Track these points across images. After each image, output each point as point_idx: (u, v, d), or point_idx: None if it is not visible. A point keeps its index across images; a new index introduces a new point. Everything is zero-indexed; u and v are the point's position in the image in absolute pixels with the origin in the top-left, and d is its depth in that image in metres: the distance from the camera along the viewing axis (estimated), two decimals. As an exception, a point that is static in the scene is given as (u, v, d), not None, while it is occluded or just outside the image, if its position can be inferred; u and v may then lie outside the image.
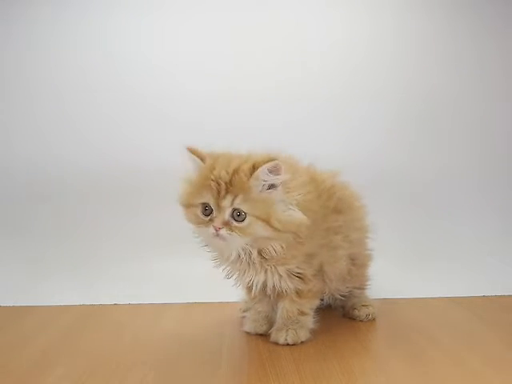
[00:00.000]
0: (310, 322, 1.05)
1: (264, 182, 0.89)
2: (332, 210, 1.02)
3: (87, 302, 1.32)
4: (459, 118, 1.86)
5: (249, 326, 1.09)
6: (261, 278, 0.98)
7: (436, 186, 1.85)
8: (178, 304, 1.31)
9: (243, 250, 0.94)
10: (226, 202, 0.89)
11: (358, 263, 1.14)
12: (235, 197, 0.89)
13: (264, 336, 1.06)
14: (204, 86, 1.77)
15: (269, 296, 1.05)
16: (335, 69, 1.82)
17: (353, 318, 1.18)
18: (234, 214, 0.90)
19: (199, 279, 1.41)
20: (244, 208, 0.89)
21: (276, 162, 0.88)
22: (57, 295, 1.37)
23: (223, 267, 1.02)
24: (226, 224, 0.90)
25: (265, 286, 1.00)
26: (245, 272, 0.98)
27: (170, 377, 0.88)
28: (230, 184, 0.89)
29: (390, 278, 1.48)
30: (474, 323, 1.15)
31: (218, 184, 0.89)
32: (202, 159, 0.94)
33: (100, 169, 1.78)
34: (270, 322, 1.07)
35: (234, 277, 1.03)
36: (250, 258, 0.95)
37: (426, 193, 1.84)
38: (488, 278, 1.50)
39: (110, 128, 1.79)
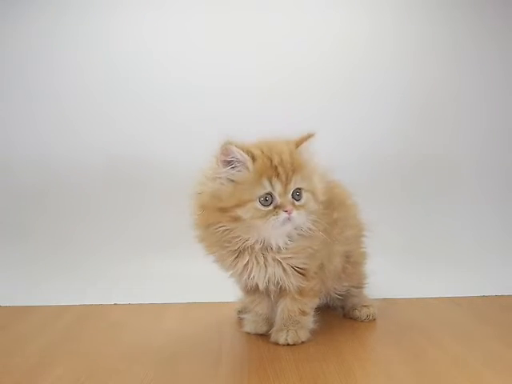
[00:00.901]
0: (310, 322, 1.05)
1: (310, 159, 0.96)
2: (327, 206, 1.02)
3: (87, 302, 1.32)
4: (459, 117, 1.86)
5: (249, 327, 1.09)
6: (267, 271, 0.97)
7: (436, 186, 1.85)
8: (177, 304, 1.31)
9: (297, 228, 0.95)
10: (292, 184, 0.92)
11: (352, 261, 1.15)
12: (298, 177, 0.92)
13: (264, 336, 1.06)
14: (205, 85, 1.77)
15: (269, 296, 1.05)
16: (335, 69, 1.82)
17: (353, 319, 1.18)
18: (294, 195, 0.92)
19: (199, 279, 1.41)
20: (303, 185, 0.93)
21: (313, 137, 0.95)
22: (57, 295, 1.37)
23: (224, 260, 1.00)
24: (293, 204, 0.92)
25: (268, 281, 0.99)
26: (252, 265, 0.97)
27: (169, 377, 0.88)
28: (292, 165, 0.92)
29: (389, 277, 1.49)
30: (474, 323, 1.15)
31: (285, 168, 0.91)
32: (251, 155, 0.91)
33: (100, 169, 1.78)
34: (270, 323, 1.07)
35: (238, 272, 1.00)
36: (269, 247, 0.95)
37: (426, 192, 1.84)
38: (488, 278, 1.50)
39: (109, 128, 1.79)
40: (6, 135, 1.80)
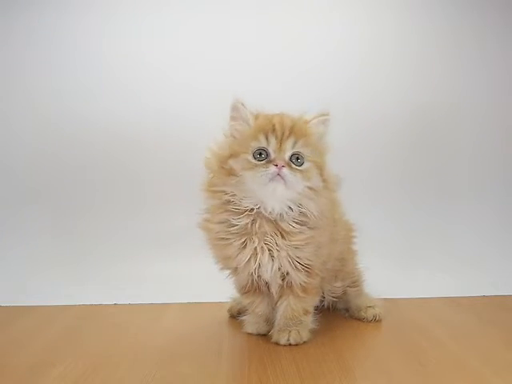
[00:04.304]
0: (311, 321, 1.04)
1: (320, 135, 0.95)
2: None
3: (87, 302, 1.32)
4: (459, 117, 1.86)
5: (251, 328, 1.08)
6: (274, 263, 0.95)
7: (436, 186, 1.85)
8: (177, 304, 1.31)
9: (290, 203, 0.92)
10: (289, 144, 0.90)
11: (341, 258, 1.13)
12: (297, 140, 0.91)
13: (264, 336, 1.06)
14: (204, 86, 1.77)
15: (268, 296, 1.04)
16: (335, 68, 1.82)
17: (360, 320, 1.17)
18: (293, 158, 0.91)
19: (199, 279, 1.41)
20: (305, 152, 0.91)
21: (328, 115, 0.96)
22: (57, 295, 1.37)
23: (238, 244, 0.95)
24: (288, 165, 0.90)
25: (274, 274, 0.96)
26: (260, 254, 0.94)
27: (169, 377, 0.88)
28: (292, 128, 0.91)
29: (390, 277, 1.49)
30: (474, 323, 1.15)
31: (282, 127, 0.91)
32: (255, 113, 0.95)
33: (100, 169, 1.78)
34: (271, 323, 1.06)
35: (244, 260, 0.95)
36: (289, 217, 0.93)
37: (426, 194, 1.84)
38: (488, 278, 1.50)
39: (109, 128, 1.79)
40: (5, 134, 1.80)
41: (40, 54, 1.78)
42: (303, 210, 0.94)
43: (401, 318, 1.19)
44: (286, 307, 1.01)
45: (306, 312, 1.02)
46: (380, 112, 1.82)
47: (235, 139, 0.95)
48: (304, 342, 1.02)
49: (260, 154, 0.90)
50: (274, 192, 0.90)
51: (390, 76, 1.83)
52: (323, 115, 0.97)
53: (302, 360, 0.94)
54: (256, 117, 0.95)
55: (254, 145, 0.91)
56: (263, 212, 0.93)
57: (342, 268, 1.14)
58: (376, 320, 1.16)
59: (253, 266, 0.95)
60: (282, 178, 0.88)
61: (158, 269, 1.58)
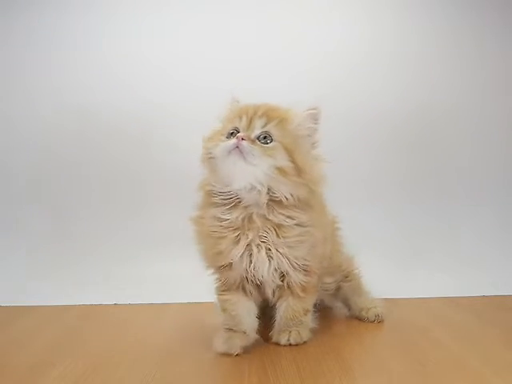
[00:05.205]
0: (310, 320, 1.04)
1: (304, 128, 0.93)
2: (322, 208, 1.02)
3: (87, 302, 1.32)
4: (459, 117, 1.86)
5: (221, 346, 0.96)
6: (271, 262, 0.92)
7: (436, 186, 1.85)
8: (177, 304, 1.31)
9: (256, 181, 0.88)
10: (258, 123, 0.90)
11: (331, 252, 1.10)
12: (270, 121, 0.90)
13: (264, 336, 1.05)
14: (204, 84, 1.77)
15: (250, 300, 0.99)
16: (335, 68, 1.82)
17: (361, 320, 1.17)
18: (261, 137, 0.89)
19: (199, 279, 1.41)
20: (274, 132, 0.90)
21: (318, 109, 0.93)
22: (57, 295, 1.37)
23: (233, 238, 0.92)
24: (251, 140, 0.88)
25: (271, 273, 0.94)
26: (254, 250, 0.91)
27: (169, 376, 0.88)
28: (268, 110, 0.91)
29: (390, 277, 1.49)
30: (474, 323, 1.15)
31: (257, 108, 0.92)
32: (237, 101, 0.99)
33: (100, 168, 1.79)
34: (246, 338, 0.97)
35: (239, 254, 0.92)
36: (260, 197, 0.89)
37: (426, 192, 1.84)
38: (488, 278, 1.50)
39: (109, 128, 1.79)
40: (5, 134, 1.80)
41: (40, 54, 1.78)
42: (275, 194, 0.89)
43: (401, 318, 1.19)
44: (287, 308, 1.00)
45: (307, 311, 1.02)
46: (379, 112, 1.82)
47: (219, 128, 0.97)
48: (304, 342, 1.01)
49: (232, 134, 0.91)
50: (234, 166, 0.88)
51: (388, 75, 1.83)
52: (312, 109, 0.94)
53: (302, 360, 0.94)
54: (237, 102, 0.98)
55: (230, 127, 0.93)
56: (242, 198, 0.91)
57: (331, 262, 1.12)
58: (378, 321, 1.15)
59: (247, 263, 0.93)
60: (241, 151, 0.87)
61: (158, 269, 1.58)
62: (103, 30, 1.79)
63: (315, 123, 0.94)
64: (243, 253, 0.92)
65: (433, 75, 1.84)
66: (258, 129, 0.90)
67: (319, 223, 0.96)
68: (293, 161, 0.89)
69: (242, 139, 0.87)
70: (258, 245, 0.92)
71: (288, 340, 1.00)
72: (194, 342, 1.04)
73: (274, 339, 1.01)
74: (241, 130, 0.91)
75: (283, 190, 0.90)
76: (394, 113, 1.83)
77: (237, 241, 0.92)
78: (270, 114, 0.91)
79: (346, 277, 1.19)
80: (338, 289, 1.19)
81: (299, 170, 0.89)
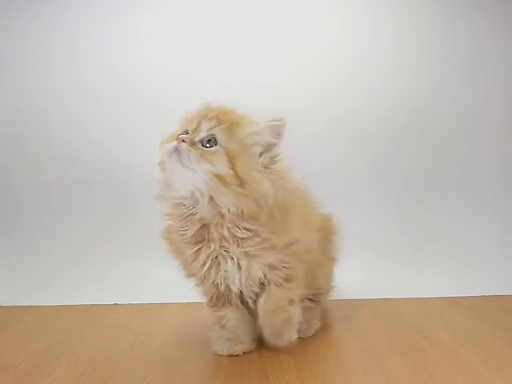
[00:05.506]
0: (298, 314, 0.93)
1: (257, 138, 0.83)
2: (302, 204, 0.93)
3: (87, 302, 1.32)
4: (458, 117, 1.86)
5: (220, 347, 0.96)
6: (241, 272, 0.86)
7: (436, 186, 1.85)
8: (177, 304, 1.31)
9: (195, 188, 0.82)
10: (205, 126, 0.84)
11: (317, 262, 1.01)
12: (218, 125, 0.83)
13: (263, 336, 1.05)
14: (204, 83, 1.77)
15: (241, 309, 0.95)
16: (334, 67, 1.82)
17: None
18: (205, 140, 0.83)
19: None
20: (220, 137, 0.82)
21: (281, 121, 0.84)
22: (57, 295, 1.37)
23: (192, 252, 0.87)
24: (192, 143, 0.82)
25: (243, 284, 0.87)
26: (216, 261, 0.85)
27: (169, 376, 0.88)
28: (219, 114, 0.85)
29: (390, 277, 1.49)
30: (474, 323, 1.15)
31: (208, 111, 0.86)
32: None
33: (101, 168, 1.79)
34: (244, 343, 0.96)
35: (198, 266, 0.87)
36: (203, 200, 0.82)
37: (426, 193, 1.84)
38: (488, 278, 1.50)
39: (109, 128, 1.79)
40: (5, 134, 1.80)
41: (40, 54, 1.78)
42: (216, 204, 0.82)
43: (401, 318, 1.19)
44: (267, 300, 0.89)
45: (291, 301, 0.91)
46: (379, 112, 1.82)
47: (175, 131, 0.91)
48: (304, 342, 1.01)
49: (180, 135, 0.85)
50: (173, 171, 0.83)
51: (389, 75, 1.83)
52: (274, 120, 0.84)
53: (302, 359, 0.94)
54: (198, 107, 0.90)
55: (181, 129, 0.87)
56: (195, 209, 0.85)
57: (313, 280, 1.02)
58: (300, 337, 0.98)
59: (215, 275, 0.87)
60: (179, 154, 0.81)
61: (158, 269, 1.58)
62: (103, 30, 1.79)
63: (276, 137, 0.84)
64: (210, 265, 0.87)
65: (432, 75, 1.84)
66: (204, 132, 0.83)
67: (286, 232, 0.87)
68: (234, 169, 0.80)
69: (183, 141, 0.82)
70: (223, 256, 0.86)
71: (280, 341, 0.91)
72: (194, 342, 1.04)
73: (267, 342, 0.93)
74: (189, 132, 0.85)
75: (224, 201, 0.82)
76: (393, 113, 1.83)
77: (198, 254, 0.87)
78: (220, 118, 0.84)
79: (315, 295, 1.08)
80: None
81: (240, 180, 0.80)
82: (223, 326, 0.96)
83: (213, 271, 0.87)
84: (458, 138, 1.86)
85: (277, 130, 0.84)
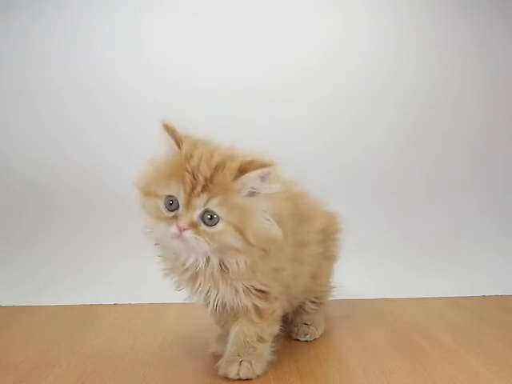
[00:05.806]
0: (267, 351, 0.90)
1: (250, 189, 0.76)
2: (299, 220, 0.90)
3: (87, 302, 1.32)
4: (458, 117, 1.86)
5: (216, 347, 0.96)
6: (218, 292, 0.83)
7: (436, 186, 1.85)
8: (177, 304, 1.31)
9: (204, 257, 0.80)
10: (200, 202, 0.75)
11: (317, 271, 1.01)
12: (212, 197, 0.75)
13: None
14: (204, 83, 1.77)
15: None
16: (335, 68, 1.82)
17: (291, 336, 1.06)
18: (205, 216, 0.76)
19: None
20: (219, 212, 0.75)
21: (271, 168, 0.75)
22: (57, 295, 1.37)
23: (173, 276, 0.90)
24: (194, 226, 0.76)
25: (223, 303, 0.85)
26: (198, 285, 0.84)
27: (169, 377, 0.88)
28: (209, 181, 0.75)
29: (390, 277, 1.49)
30: (474, 323, 1.15)
31: (195, 178, 0.75)
32: (178, 143, 0.79)
33: (101, 168, 1.78)
34: None
35: (188, 289, 0.88)
36: (208, 268, 0.81)
37: (425, 193, 1.84)
38: (488, 278, 1.50)
39: (109, 128, 1.79)
40: (5, 135, 1.80)
41: (40, 54, 1.78)
42: (224, 264, 0.81)
43: (401, 317, 1.19)
44: (238, 332, 0.87)
45: (261, 339, 0.88)
46: (379, 111, 1.82)
47: (156, 172, 0.82)
48: (303, 342, 1.01)
49: (171, 203, 0.78)
50: (180, 249, 0.81)
51: (389, 75, 1.83)
52: (265, 166, 0.75)
53: (302, 360, 0.94)
54: (174, 150, 0.80)
55: (165, 191, 0.78)
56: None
57: (314, 281, 1.02)
58: (307, 340, 1.04)
59: (198, 295, 0.86)
60: (186, 242, 0.76)
61: (158, 269, 1.58)
62: (103, 29, 1.79)
63: (269, 183, 0.77)
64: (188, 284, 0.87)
65: (432, 75, 1.84)
66: (200, 207, 0.75)
67: (285, 245, 0.84)
68: (245, 237, 0.76)
69: (185, 229, 0.75)
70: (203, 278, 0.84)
71: (238, 374, 0.86)
72: (194, 342, 1.04)
73: (221, 371, 0.87)
74: (180, 205, 0.76)
75: (238, 259, 0.80)
76: (393, 113, 1.83)
77: (180, 287, 0.90)
78: (212, 187, 0.75)
79: (317, 298, 1.08)
80: (301, 305, 1.07)
81: (251, 245, 0.78)
82: (222, 327, 0.96)
83: (194, 294, 0.88)
84: (458, 138, 1.86)
85: (268, 178, 0.76)
